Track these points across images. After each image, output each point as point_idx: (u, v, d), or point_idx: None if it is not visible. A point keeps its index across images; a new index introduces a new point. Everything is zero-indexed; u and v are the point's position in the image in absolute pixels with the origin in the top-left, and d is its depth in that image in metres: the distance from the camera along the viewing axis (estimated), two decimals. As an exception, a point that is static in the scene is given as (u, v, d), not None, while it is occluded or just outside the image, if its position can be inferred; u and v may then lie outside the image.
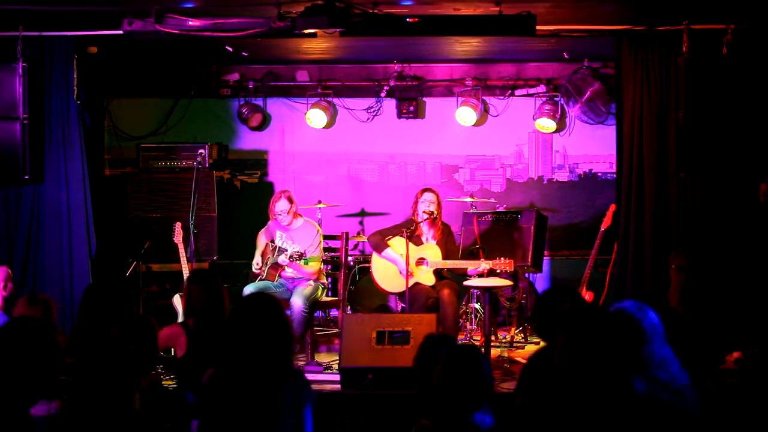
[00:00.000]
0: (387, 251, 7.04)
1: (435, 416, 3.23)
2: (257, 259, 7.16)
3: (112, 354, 3.27)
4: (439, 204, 7.09)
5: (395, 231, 7.08)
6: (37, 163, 6.89)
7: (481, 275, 6.91)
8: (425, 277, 6.94)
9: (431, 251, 7.00)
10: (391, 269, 7.05)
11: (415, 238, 7.03)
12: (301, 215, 7.23)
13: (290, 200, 7.07)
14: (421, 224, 7.06)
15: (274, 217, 7.11)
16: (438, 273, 7.02)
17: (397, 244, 6.97)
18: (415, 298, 6.80)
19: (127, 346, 3.52)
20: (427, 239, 7.12)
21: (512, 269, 6.84)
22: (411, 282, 6.85)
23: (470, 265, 6.93)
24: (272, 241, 7.16)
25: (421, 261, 6.99)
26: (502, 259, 6.78)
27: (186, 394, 4.31)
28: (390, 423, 5.44)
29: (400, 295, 7.04)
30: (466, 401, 3.20)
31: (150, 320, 4.14)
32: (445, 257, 6.98)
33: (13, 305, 6.35)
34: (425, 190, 7.17)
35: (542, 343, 7.79)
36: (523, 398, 3.15)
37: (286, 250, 6.88)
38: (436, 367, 3.33)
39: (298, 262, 6.78)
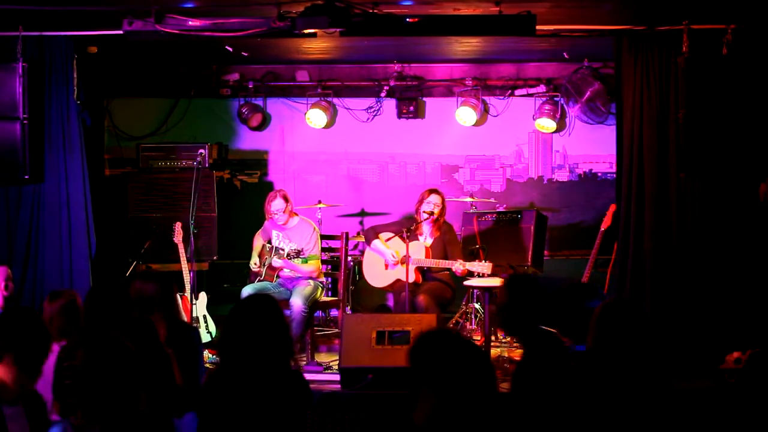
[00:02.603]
0: (375, 243, 7.10)
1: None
2: (254, 259, 7.16)
3: (118, 356, 3.26)
4: (442, 206, 7.09)
5: (394, 228, 7.08)
6: (37, 163, 6.89)
7: (481, 275, 6.90)
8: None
9: (416, 248, 6.99)
10: (376, 263, 7.11)
11: (413, 237, 7.03)
12: (297, 214, 7.23)
13: (285, 199, 7.06)
14: (422, 224, 7.06)
15: (270, 217, 7.11)
16: (424, 272, 7.02)
17: (391, 240, 7.00)
18: (396, 293, 6.87)
19: (131, 349, 3.51)
20: (425, 238, 7.13)
21: (491, 272, 6.75)
22: (393, 278, 7.00)
23: (447, 265, 6.92)
24: (269, 242, 7.16)
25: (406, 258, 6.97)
26: (483, 262, 6.73)
27: None
28: (390, 423, 5.44)
29: (384, 290, 7.24)
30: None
31: (151, 322, 4.13)
32: (437, 256, 6.97)
33: (13, 305, 6.37)
34: (431, 191, 7.16)
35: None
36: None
37: (283, 250, 6.87)
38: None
39: (295, 260, 6.77)
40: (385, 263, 7.10)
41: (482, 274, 6.72)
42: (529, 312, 3.72)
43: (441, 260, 6.97)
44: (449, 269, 7.06)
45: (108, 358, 3.07)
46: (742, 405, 3.57)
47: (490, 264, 6.72)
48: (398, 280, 6.93)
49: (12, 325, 3.41)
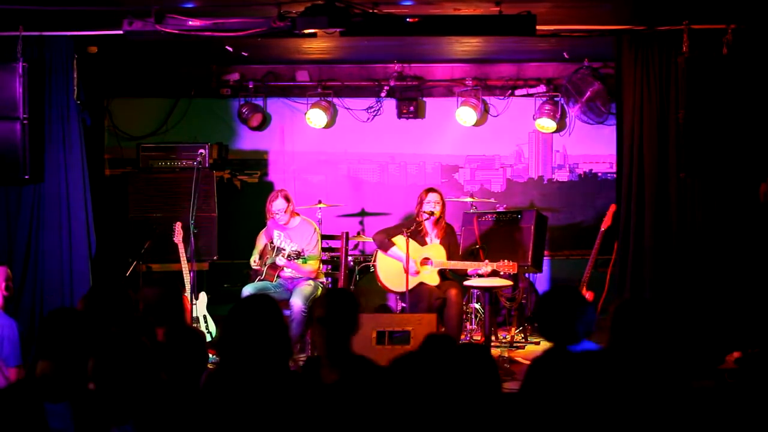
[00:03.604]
0: (393, 249, 7.05)
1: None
2: (255, 257, 7.16)
3: (115, 356, 3.26)
4: (443, 204, 7.09)
5: (399, 230, 7.07)
6: (37, 163, 6.89)
7: (482, 275, 6.92)
8: (429, 277, 6.94)
9: (435, 251, 7.00)
10: (395, 268, 7.04)
11: (419, 238, 7.03)
12: (298, 214, 7.24)
13: (287, 199, 7.07)
14: (425, 224, 7.06)
15: (271, 216, 7.12)
16: (442, 273, 7.02)
17: (402, 243, 6.98)
18: (419, 298, 6.81)
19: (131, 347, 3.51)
20: (431, 239, 7.12)
21: (516, 271, 6.84)
22: (415, 282, 6.87)
23: (474, 266, 6.93)
24: (271, 242, 7.17)
25: (425, 261, 7.00)
26: (505, 261, 6.78)
27: None
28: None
29: (404, 295, 7.06)
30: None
31: (150, 323, 4.12)
32: (449, 257, 6.98)
33: (13, 305, 6.37)
34: (429, 190, 7.16)
35: (543, 344, 7.82)
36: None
37: (284, 250, 6.87)
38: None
39: (296, 260, 6.78)
40: (405, 267, 7.02)
41: (508, 273, 6.81)
42: (347, 327, 3.75)
43: (466, 261, 6.99)
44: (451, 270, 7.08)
45: (121, 358, 3.08)
46: (739, 405, 3.57)
47: (515, 263, 6.77)
48: (422, 283, 6.93)
49: (56, 325, 3.44)
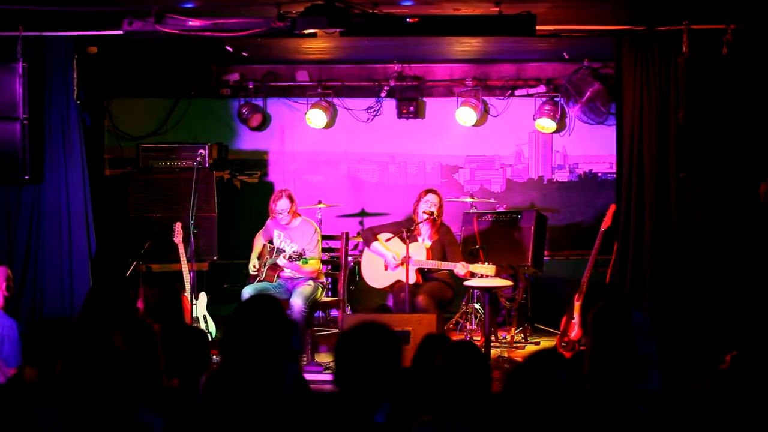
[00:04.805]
0: (375, 245, 7.13)
1: (435, 412, 3.22)
2: (254, 261, 7.16)
3: (112, 360, 3.24)
4: (440, 206, 7.09)
5: (392, 229, 7.08)
6: (37, 163, 6.88)
7: (481, 276, 6.90)
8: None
9: (417, 251, 6.99)
10: (375, 264, 7.13)
11: (412, 238, 7.02)
12: (299, 214, 7.25)
13: (291, 199, 7.09)
14: (421, 225, 7.06)
15: (274, 215, 7.12)
16: (424, 273, 7.02)
17: (390, 241, 7.00)
18: (395, 294, 6.90)
19: (128, 352, 3.50)
20: (424, 240, 7.12)
21: (494, 275, 6.74)
22: (393, 279, 7.00)
23: (449, 267, 6.89)
24: (270, 242, 7.17)
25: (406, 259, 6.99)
26: (486, 263, 6.74)
27: None
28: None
29: (385, 290, 7.22)
30: (466, 396, 3.19)
31: (150, 326, 4.11)
32: (437, 257, 6.97)
33: (13, 305, 6.36)
34: (428, 191, 7.17)
35: (542, 344, 7.81)
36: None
37: (284, 251, 6.88)
38: (435, 363, 3.33)
39: (297, 261, 6.79)
40: (385, 264, 7.11)
41: (485, 276, 6.72)
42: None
43: (443, 262, 6.97)
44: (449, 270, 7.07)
45: (101, 362, 3.07)
46: (735, 405, 3.57)
47: (494, 266, 6.71)
48: (398, 281, 6.95)
49: (48, 334, 3.46)
